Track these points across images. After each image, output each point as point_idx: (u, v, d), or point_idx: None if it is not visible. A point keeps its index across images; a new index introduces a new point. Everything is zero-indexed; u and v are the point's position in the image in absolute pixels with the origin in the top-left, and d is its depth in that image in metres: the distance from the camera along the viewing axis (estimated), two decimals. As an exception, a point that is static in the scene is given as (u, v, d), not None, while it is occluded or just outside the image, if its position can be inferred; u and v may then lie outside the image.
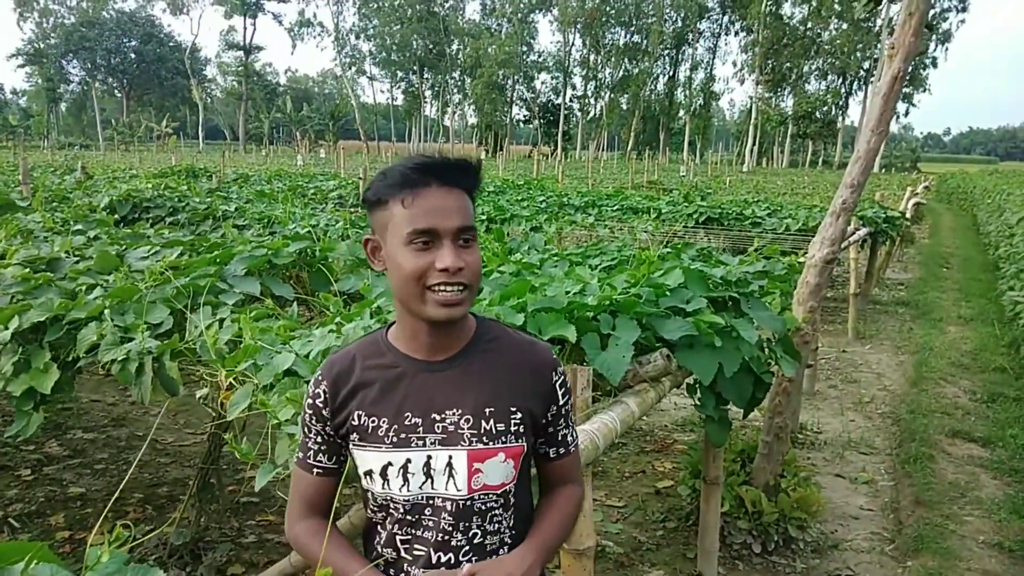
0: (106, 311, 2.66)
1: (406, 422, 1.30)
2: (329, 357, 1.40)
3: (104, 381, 5.81)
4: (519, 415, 1.32)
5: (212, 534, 3.64)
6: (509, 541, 1.36)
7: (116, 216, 5.73)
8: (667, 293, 2.53)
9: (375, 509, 1.37)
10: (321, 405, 1.35)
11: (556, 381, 1.39)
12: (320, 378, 1.36)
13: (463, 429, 1.29)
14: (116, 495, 3.93)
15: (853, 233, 7.28)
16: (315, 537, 1.37)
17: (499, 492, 1.32)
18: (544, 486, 1.48)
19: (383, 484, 1.31)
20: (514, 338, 1.40)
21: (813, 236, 3.83)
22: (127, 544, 1.18)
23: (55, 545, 3.49)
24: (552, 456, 1.42)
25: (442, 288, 1.22)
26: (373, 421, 1.31)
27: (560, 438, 1.42)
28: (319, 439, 1.37)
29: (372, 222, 1.30)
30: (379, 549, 1.37)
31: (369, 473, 1.32)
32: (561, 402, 1.40)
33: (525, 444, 1.33)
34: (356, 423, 1.32)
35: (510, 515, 1.36)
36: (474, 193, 1.30)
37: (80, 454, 4.66)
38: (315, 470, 1.38)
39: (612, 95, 71.83)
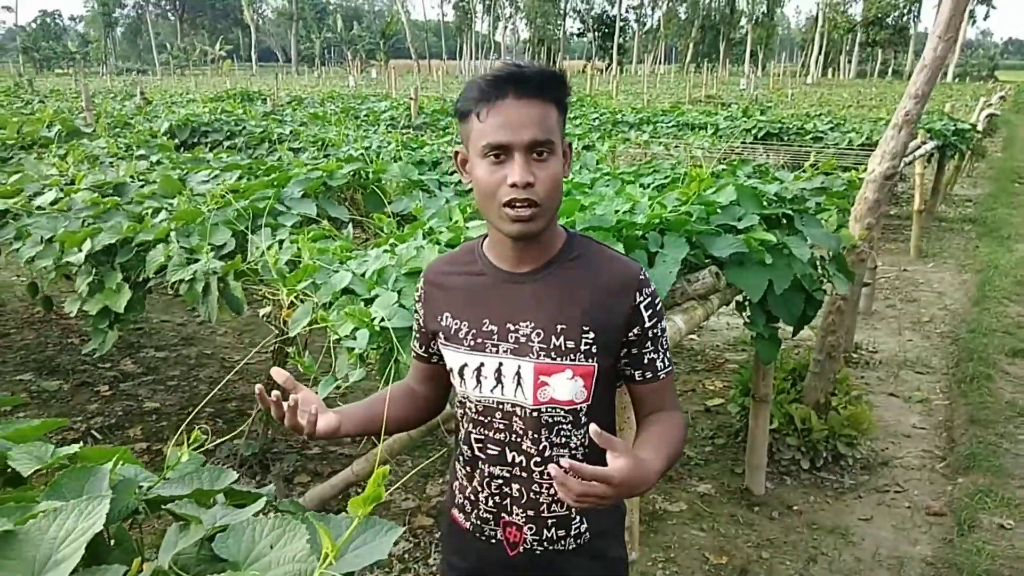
0: (172, 233, 2.77)
1: (484, 328, 1.35)
2: (434, 260, 1.52)
3: (173, 302, 6.06)
4: (591, 334, 1.30)
5: (279, 446, 3.84)
6: (580, 459, 1.37)
7: (176, 141, 5.85)
8: (718, 211, 2.51)
9: (458, 406, 1.47)
10: (417, 301, 1.48)
11: (642, 302, 1.32)
12: (421, 278, 1.49)
13: (533, 342, 1.32)
14: (195, 411, 4.15)
15: (919, 147, 7.00)
16: (383, 390, 1.53)
17: (567, 408, 1.34)
18: (638, 412, 1.42)
19: (461, 383, 1.40)
20: (602, 256, 1.36)
21: (875, 151, 3.71)
22: (203, 447, 1.29)
23: (134, 455, 3.74)
24: (638, 379, 1.37)
25: (513, 204, 1.23)
26: (456, 323, 1.38)
27: (647, 361, 1.36)
28: (416, 327, 1.51)
29: (461, 134, 1.31)
30: (460, 444, 1.48)
31: (451, 371, 1.42)
32: (648, 324, 1.34)
33: (597, 364, 1.32)
34: (443, 323, 1.40)
35: (582, 433, 1.36)
36: (563, 102, 1.27)
37: (153, 371, 4.92)
38: (413, 352, 1.55)
39: (670, 4, 69.09)
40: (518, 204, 1.22)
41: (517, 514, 1.41)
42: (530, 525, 1.41)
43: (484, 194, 1.26)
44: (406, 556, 3.04)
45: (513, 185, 1.21)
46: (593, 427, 1.08)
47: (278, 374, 1.33)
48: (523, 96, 1.21)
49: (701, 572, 2.98)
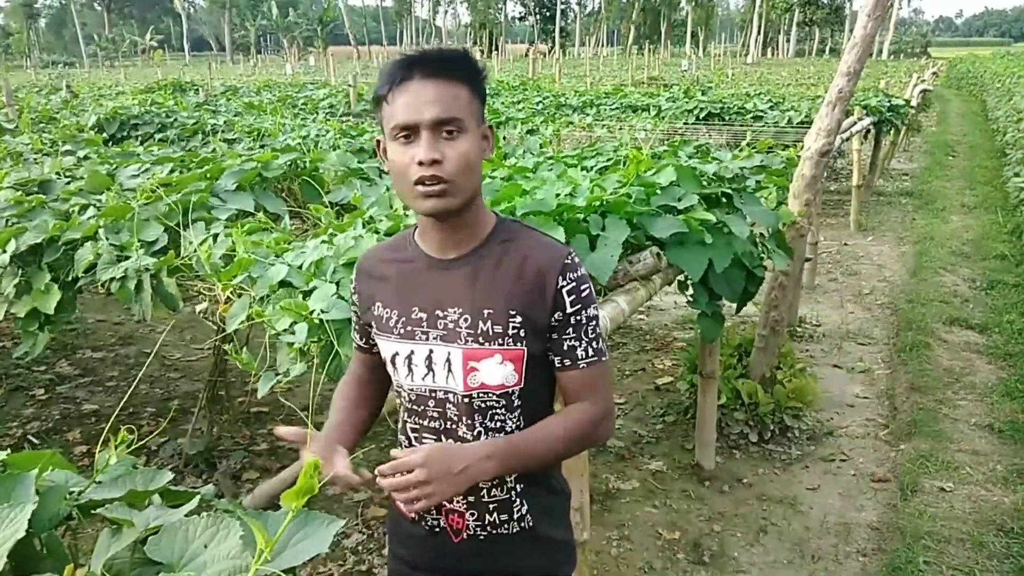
0: (100, 230, 2.66)
1: (413, 316, 1.35)
2: (368, 249, 1.52)
3: (109, 301, 5.87)
4: (518, 319, 1.30)
5: (225, 443, 3.76)
6: None
7: (104, 135, 5.63)
8: (658, 192, 2.52)
9: (395, 395, 1.47)
10: (352, 291, 1.48)
11: (564, 286, 1.29)
12: (355, 269, 1.48)
13: (461, 328, 1.31)
14: (122, 404, 4.04)
15: (855, 124, 7.15)
16: (337, 396, 1.54)
17: (499, 393, 1.33)
18: (564, 400, 1.40)
19: (394, 372, 1.40)
20: (528, 240, 1.34)
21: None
22: (134, 448, 1.24)
23: (73, 459, 3.62)
24: (558, 366, 1.35)
25: (423, 181, 1.23)
26: (387, 312, 1.38)
27: (566, 348, 1.33)
28: (354, 319, 1.51)
29: (379, 121, 1.32)
30: (399, 434, 1.48)
31: (385, 361, 1.42)
32: (570, 309, 1.30)
33: (526, 348, 1.31)
34: (375, 313, 1.40)
35: (516, 415, 1.36)
36: (476, 84, 1.27)
37: (91, 372, 4.77)
38: (354, 344, 1.55)
39: (610, -13, 69.35)
40: (428, 181, 1.22)
41: (458, 501, 1.40)
42: (472, 511, 1.40)
43: (397, 175, 1.26)
44: (359, 548, 3.01)
45: (421, 163, 1.21)
46: (392, 457, 1.22)
47: (286, 433, 1.31)
48: (429, 76, 1.22)
49: (655, 548, 3.01)
